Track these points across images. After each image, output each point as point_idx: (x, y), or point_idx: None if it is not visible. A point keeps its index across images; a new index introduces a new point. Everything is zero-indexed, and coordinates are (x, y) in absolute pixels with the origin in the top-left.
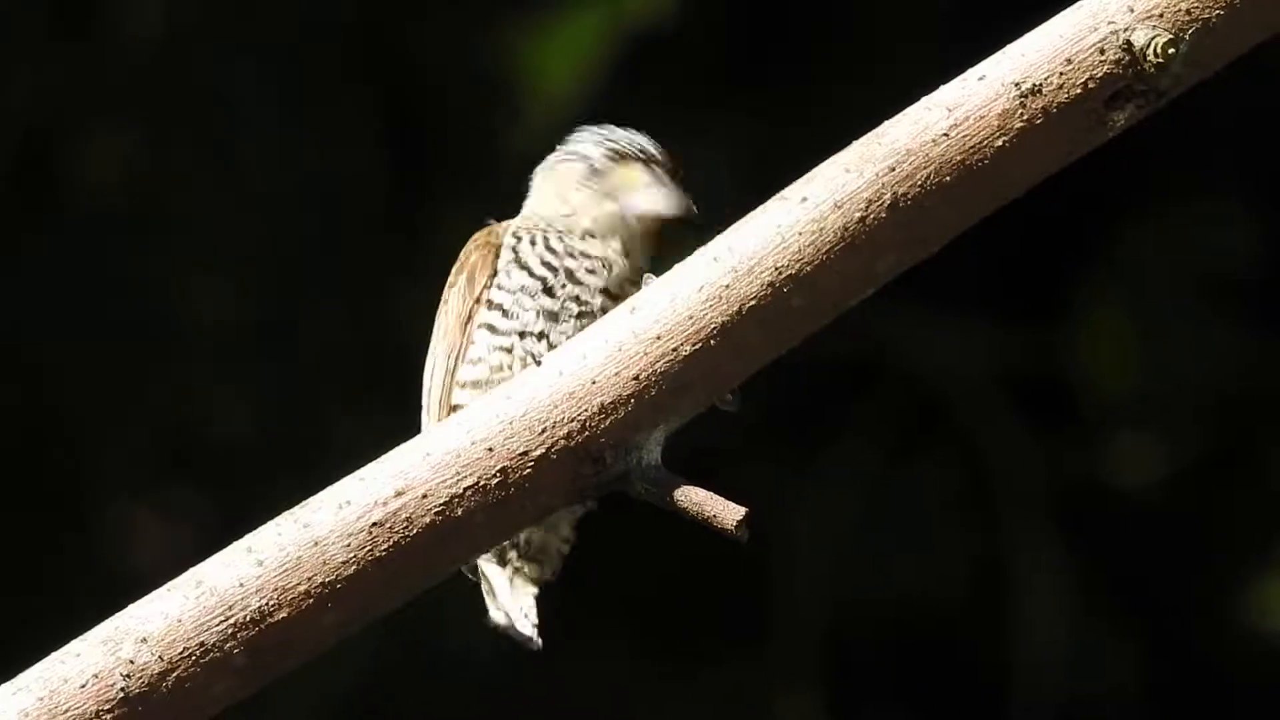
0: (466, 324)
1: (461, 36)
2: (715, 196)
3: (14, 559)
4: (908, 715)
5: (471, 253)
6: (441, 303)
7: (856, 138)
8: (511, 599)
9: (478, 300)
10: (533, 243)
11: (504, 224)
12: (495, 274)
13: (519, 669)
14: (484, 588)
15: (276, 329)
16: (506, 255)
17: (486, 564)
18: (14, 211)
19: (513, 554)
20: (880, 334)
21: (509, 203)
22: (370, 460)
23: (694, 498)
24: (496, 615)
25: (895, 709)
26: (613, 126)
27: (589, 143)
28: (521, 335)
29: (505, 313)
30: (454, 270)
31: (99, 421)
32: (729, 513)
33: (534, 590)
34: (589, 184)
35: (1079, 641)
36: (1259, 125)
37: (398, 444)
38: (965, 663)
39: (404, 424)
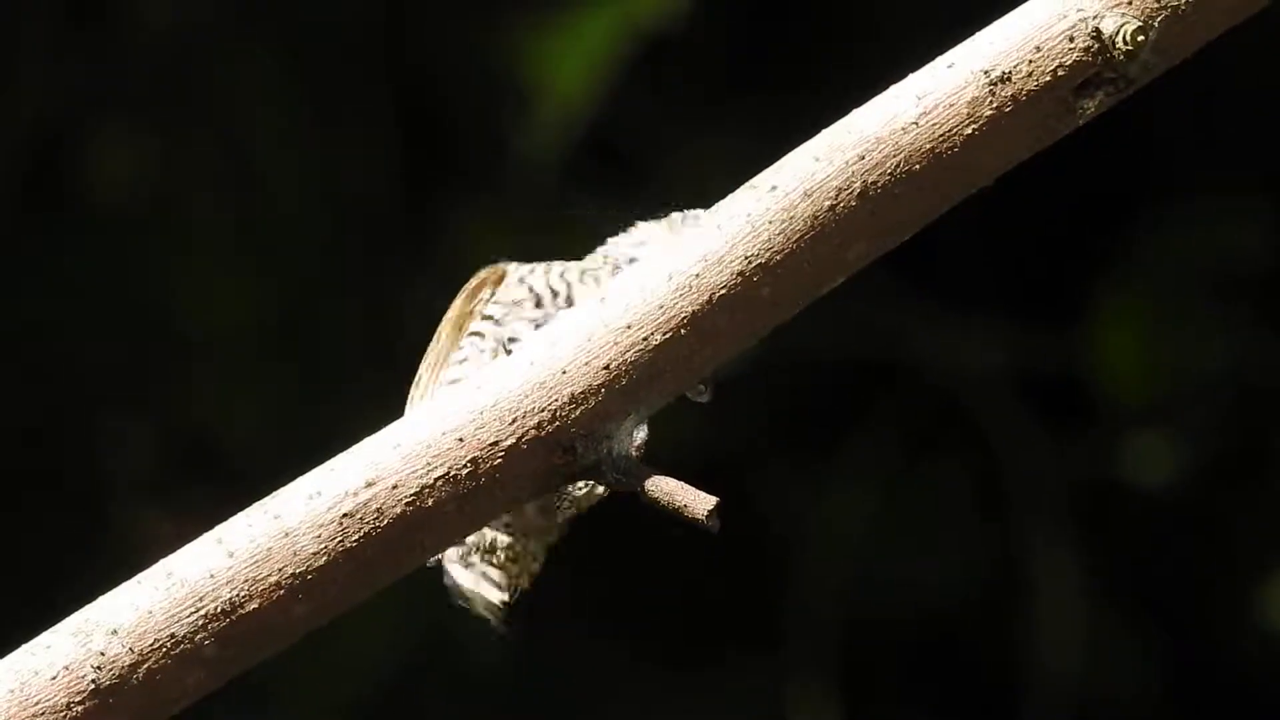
0: (458, 331)
1: (471, 37)
2: (726, 196)
3: (25, 558)
4: (923, 714)
5: (473, 280)
6: (439, 327)
7: None
8: (477, 592)
9: (470, 314)
10: (547, 271)
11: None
12: (493, 293)
13: (529, 670)
14: (446, 580)
15: (287, 329)
16: (512, 278)
17: (450, 564)
18: (25, 211)
19: (475, 556)
20: (894, 334)
21: (518, 202)
22: None
23: (664, 488)
24: (460, 603)
25: (909, 710)
26: None
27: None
28: (512, 340)
29: (496, 321)
30: (458, 296)
31: (111, 422)
32: (699, 503)
33: (501, 594)
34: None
35: (1095, 641)
36: (1276, 122)
37: None
38: (980, 663)
39: None
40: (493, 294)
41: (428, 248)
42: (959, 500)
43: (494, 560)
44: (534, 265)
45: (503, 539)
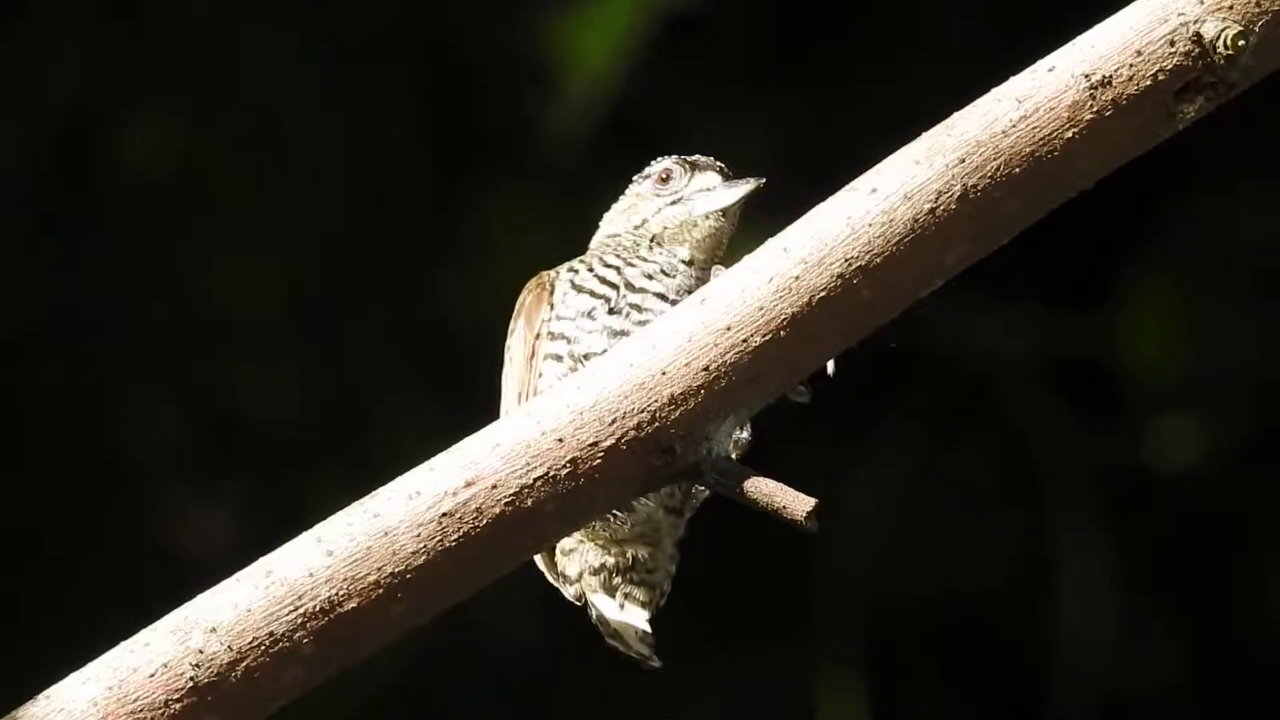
0: (531, 360)
1: (500, 17)
2: (752, 174)
3: (58, 542)
4: (950, 698)
5: (525, 297)
6: (505, 351)
7: (898, 117)
8: (624, 621)
9: (538, 336)
10: (590, 269)
11: (558, 267)
12: (552, 308)
13: (559, 649)
14: (593, 615)
15: (318, 311)
16: (562, 288)
17: (594, 594)
18: (59, 193)
19: (619, 579)
20: (925, 318)
21: (546, 183)
22: (415, 440)
23: (764, 489)
24: (611, 640)
25: (937, 693)
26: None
27: (662, 159)
28: (586, 358)
29: (568, 340)
30: (512, 318)
31: (142, 405)
32: (799, 504)
33: (645, 614)
34: (660, 192)
35: (1121, 625)
36: None
37: (438, 424)
38: (1008, 646)
39: (444, 405)
40: (552, 309)
41: (456, 228)
42: (986, 483)
43: (635, 577)
44: (573, 266)
45: (642, 552)
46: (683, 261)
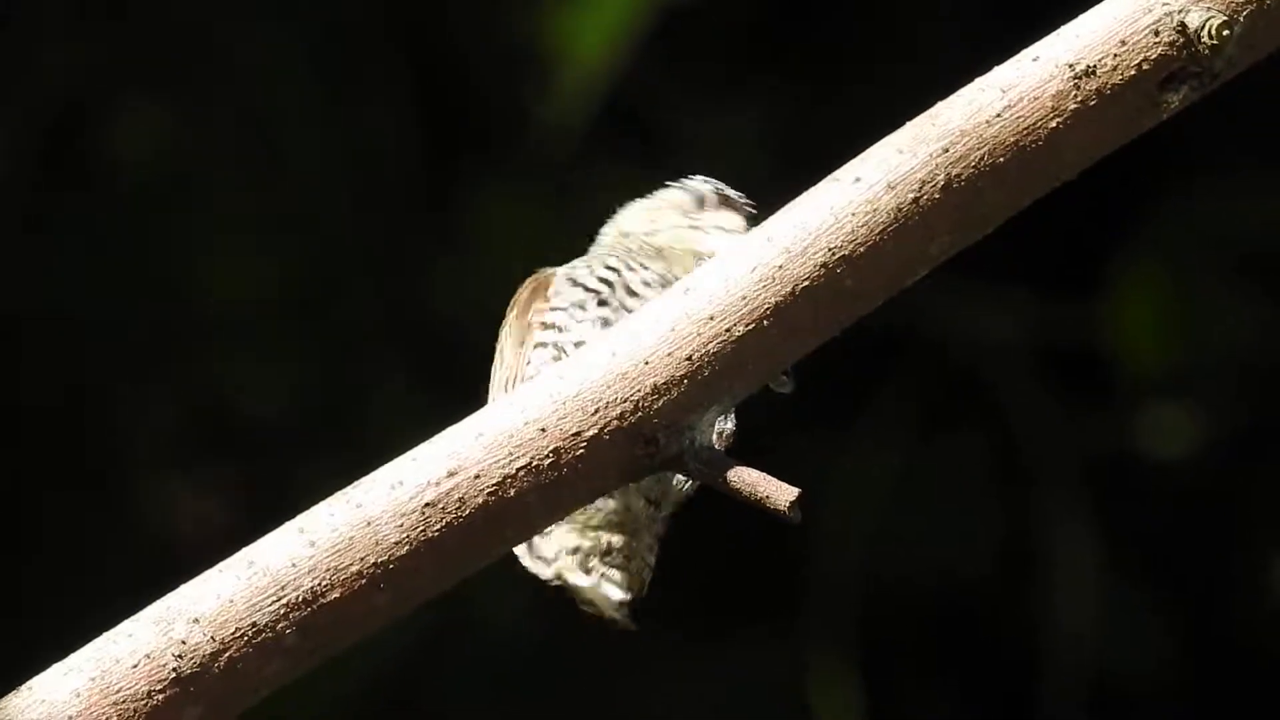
0: (521, 347)
1: (494, 8)
2: (748, 168)
3: (51, 532)
4: (941, 685)
5: (522, 293)
6: (498, 343)
7: (890, 109)
8: (600, 594)
9: (530, 325)
10: (590, 268)
11: (559, 267)
12: (548, 299)
13: (551, 640)
14: (569, 590)
15: (311, 303)
16: (559, 283)
17: (570, 573)
18: (50, 185)
19: (595, 561)
20: (913, 305)
21: (540, 174)
22: (409, 433)
23: (747, 479)
24: (585, 606)
25: (927, 677)
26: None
27: (702, 182)
28: (577, 346)
29: (559, 329)
30: (508, 310)
31: (135, 396)
32: (782, 494)
33: (621, 592)
34: (688, 211)
35: (1111, 612)
36: None
37: (432, 416)
38: (998, 634)
39: (438, 397)
40: (548, 301)
41: (450, 220)
42: (976, 471)
43: (612, 562)
44: (575, 263)
45: (617, 540)
46: (675, 278)
